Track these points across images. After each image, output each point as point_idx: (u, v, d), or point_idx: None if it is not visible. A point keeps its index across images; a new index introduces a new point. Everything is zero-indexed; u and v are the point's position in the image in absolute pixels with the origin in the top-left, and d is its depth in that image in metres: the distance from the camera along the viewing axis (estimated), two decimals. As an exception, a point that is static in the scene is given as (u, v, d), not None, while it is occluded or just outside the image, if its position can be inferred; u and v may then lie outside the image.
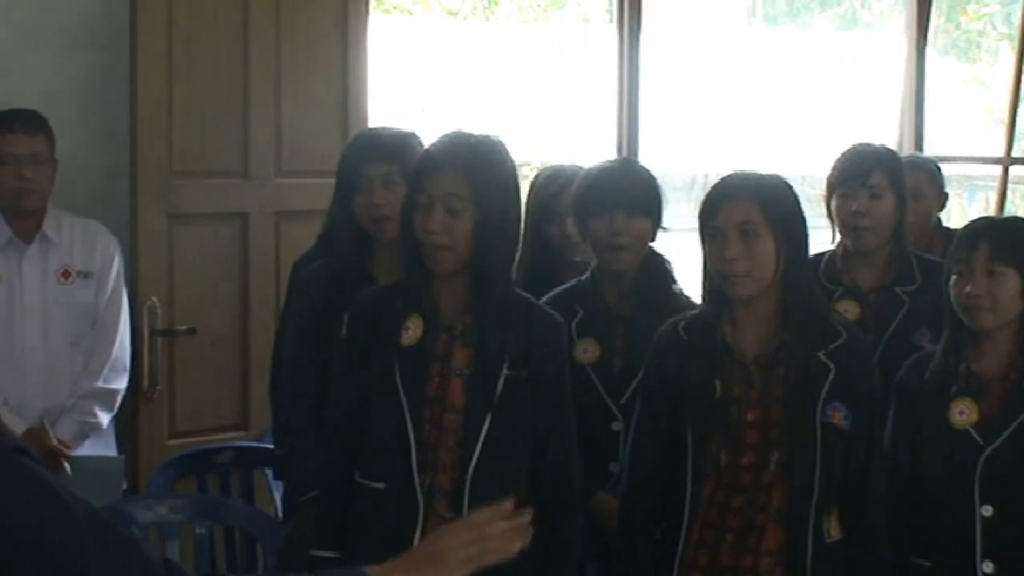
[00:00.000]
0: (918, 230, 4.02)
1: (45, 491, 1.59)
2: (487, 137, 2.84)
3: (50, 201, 3.87)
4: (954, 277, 3.03)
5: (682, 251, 3.44)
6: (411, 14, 6.76)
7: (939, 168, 4.41)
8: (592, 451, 3.09)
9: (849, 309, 3.48)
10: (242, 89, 4.32)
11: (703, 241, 2.89)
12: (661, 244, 3.46)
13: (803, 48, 7.76)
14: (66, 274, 3.86)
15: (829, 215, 3.61)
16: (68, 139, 3.97)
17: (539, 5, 7.56)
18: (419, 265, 2.79)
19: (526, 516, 2.01)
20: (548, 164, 4.00)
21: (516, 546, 2.01)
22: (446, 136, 2.83)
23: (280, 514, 3.63)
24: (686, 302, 3.31)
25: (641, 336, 3.20)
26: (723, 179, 2.90)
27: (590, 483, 3.14)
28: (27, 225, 3.81)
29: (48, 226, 3.85)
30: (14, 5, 4.16)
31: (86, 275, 3.88)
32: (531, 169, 3.96)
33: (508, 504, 2.03)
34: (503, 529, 2.00)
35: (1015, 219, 3.16)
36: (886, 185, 3.54)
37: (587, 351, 3.28)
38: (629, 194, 3.32)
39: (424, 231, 2.73)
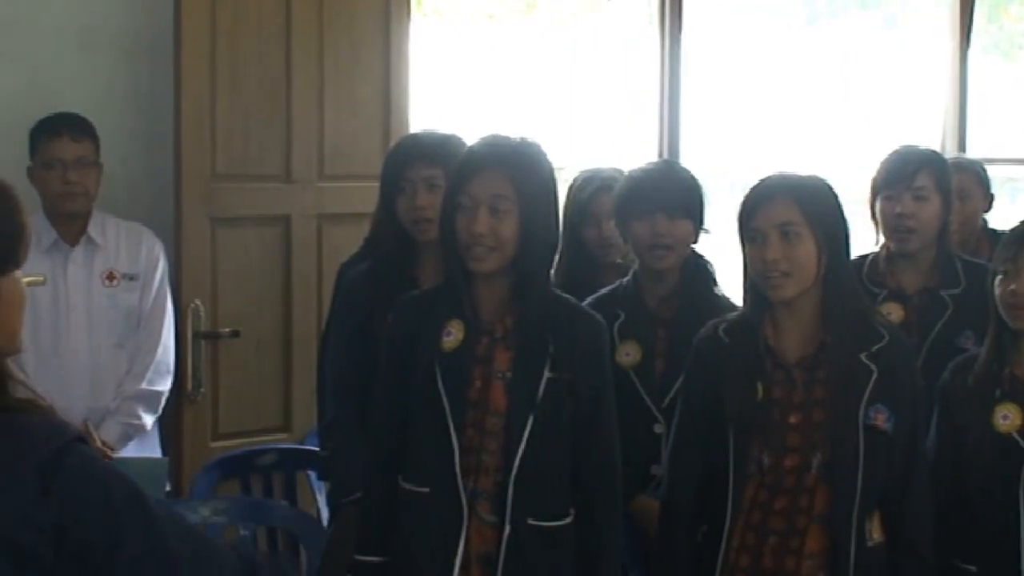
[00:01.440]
0: (964, 232, 4.01)
1: (114, 473, 1.68)
2: (526, 139, 2.85)
3: (95, 205, 3.90)
4: (999, 276, 3.02)
5: (726, 252, 3.44)
6: (442, 15, 6.76)
7: (985, 169, 4.39)
8: (634, 454, 3.08)
9: (893, 312, 3.47)
10: (285, 94, 4.34)
11: (742, 244, 2.89)
12: (703, 245, 3.46)
13: (844, 48, 7.72)
14: (111, 277, 3.88)
15: (873, 217, 3.60)
16: (113, 144, 3.99)
17: (578, 7, 7.56)
18: (460, 267, 2.80)
19: None
20: (586, 167, 4.00)
21: None
22: (486, 138, 2.85)
23: (323, 516, 3.64)
24: (727, 304, 3.30)
25: (682, 338, 3.20)
26: (761, 180, 2.90)
27: (632, 486, 3.15)
28: (72, 228, 3.84)
29: (93, 229, 3.87)
30: (60, 13, 4.18)
31: (131, 278, 3.89)
32: (569, 172, 3.95)
33: None
34: None
35: (1062, 221, 3.14)
36: (932, 187, 3.52)
37: (629, 354, 3.28)
38: (671, 196, 3.33)
39: (469, 233, 2.74)
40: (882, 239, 3.61)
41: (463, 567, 2.75)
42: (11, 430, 1.61)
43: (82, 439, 1.67)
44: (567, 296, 2.93)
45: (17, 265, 1.73)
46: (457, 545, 2.75)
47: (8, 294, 1.71)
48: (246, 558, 1.79)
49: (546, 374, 2.77)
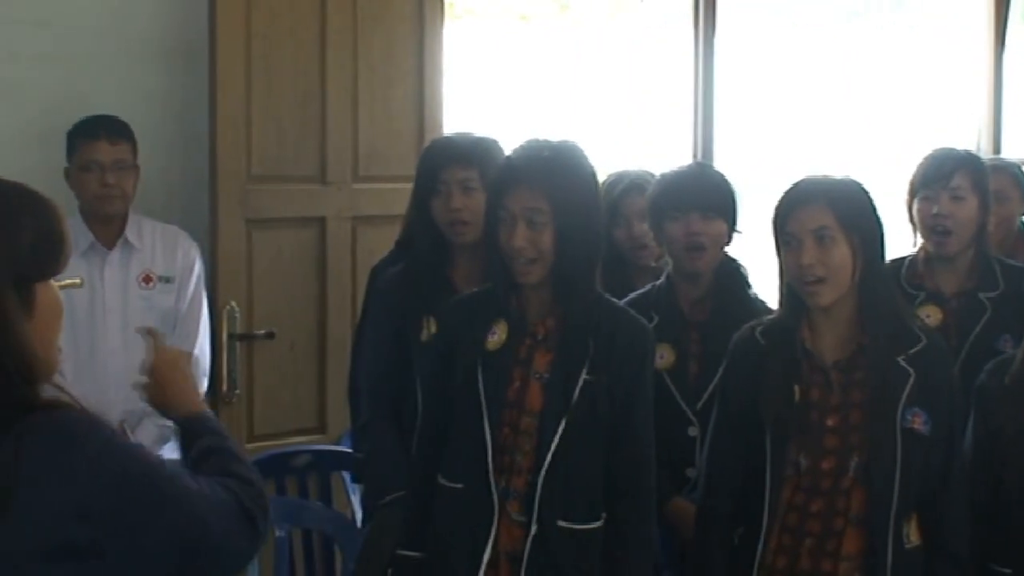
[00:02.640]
0: (1001, 234, 3.99)
1: (153, 459, 1.73)
2: (565, 144, 2.86)
3: (132, 207, 3.92)
4: (1037, 281, 3.02)
5: (759, 254, 3.44)
6: (475, 15, 6.77)
7: (1022, 171, 4.37)
8: (669, 456, 3.09)
9: (931, 314, 3.47)
10: (319, 96, 4.36)
11: (777, 248, 2.89)
12: (736, 247, 3.46)
13: (878, 49, 7.70)
14: (147, 279, 3.90)
15: (911, 218, 3.59)
16: (150, 146, 4.01)
17: (611, 8, 7.56)
18: (506, 274, 2.83)
19: None
20: (616, 170, 4.01)
21: None
22: (523, 147, 2.86)
23: (358, 517, 3.66)
24: (761, 307, 3.30)
25: (716, 341, 3.21)
26: (795, 184, 2.89)
27: (667, 488, 3.15)
28: (109, 231, 3.86)
29: (130, 231, 3.89)
30: (100, 17, 4.20)
31: (167, 280, 3.91)
32: (602, 174, 3.97)
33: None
34: None
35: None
36: (968, 188, 3.52)
37: (663, 357, 3.27)
38: (705, 196, 3.33)
39: (509, 247, 2.77)
40: (919, 241, 3.60)
41: (491, 564, 2.77)
42: (57, 426, 1.63)
43: (117, 431, 1.73)
44: (612, 299, 2.94)
45: (55, 274, 1.75)
46: (486, 542, 2.77)
47: (45, 301, 1.72)
48: (240, 500, 1.87)
49: (583, 376, 2.78)
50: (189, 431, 2.09)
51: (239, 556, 1.88)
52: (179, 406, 2.15)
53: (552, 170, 2.79)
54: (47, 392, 1.70)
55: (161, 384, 2.17)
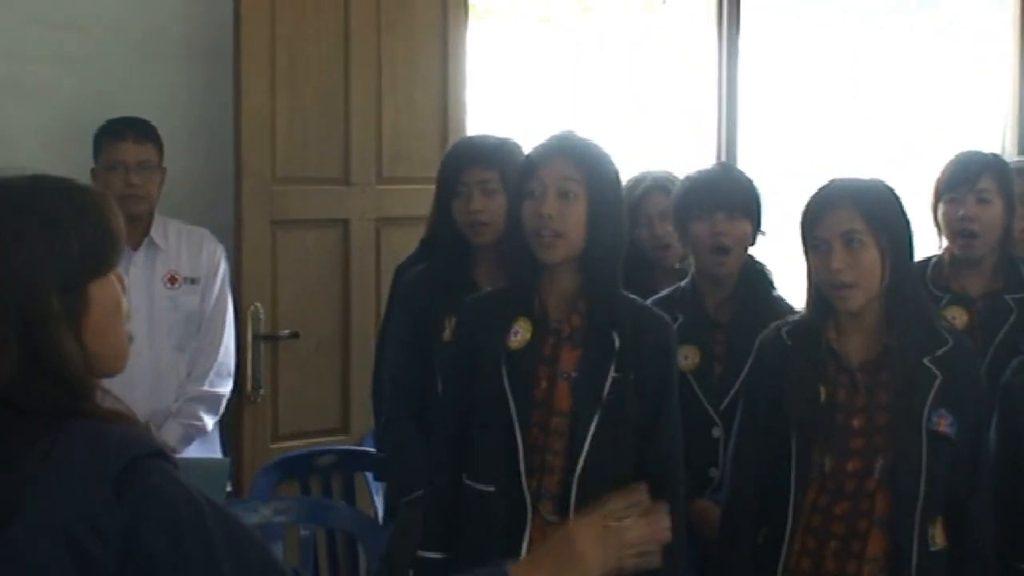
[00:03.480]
0: (1026, 236, 3.97)
1: (185, 496, 1.65)
2: (589, 139, 2.89)
3: (157, 208, 3.94)
4: (1063, 282, 3.01)
5: (782, 255, 3.44)
6: (495, 16, 6.77)
7: (1048, 174, 4.36)
8: (692, 457, 3.08)
9: (957, 316, 3.47)
10: (343, 97, 4.37)
11: (805, 251, 2.88)
12: (759, 249, 3.46)
13: (903, 50, 7.67)
14: (172, 280, 3.91)
15: (936, 221, 3.59)
16: (175, 147, 4.03)
17: (633, 9, 7.56)
18: (529, 262, 2.82)
19: (662, 512, 2.04)
20: (639, 171, 4.01)
21: (657, 559, 2.03)
22: (553, 134, 2.88)
23: (381, 516, 3.67)
24: (786, 307, 3.31)
25: (741, 342, 3.21)
26: (822, 188, 2.89)
27: (690, 489, 3.14)
28: (134, 231, 3.84)
29: (155, 232, 3.91)
30: (125, 19, 4.23)
31: (192, 281, 3.92)
32: (625, 176, 3.97)
33: (639, 494, 2.04)
34: (643, 534, 2.01)
35: None
36: (994, 190, 3.52)
37: (687, 357, 3.28)
38: (730, 196, 3.33)
39: (536, 216, 2.76)
40: (945, 243, 3.60)
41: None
42: (91, 436, 1.61)
43: (163, 455, 1.66)
44: (634, 296, 2.94)
45: (110, 269, 1.72)
46: (520, 544, 2.77)
47: (101, 298, 1.70)
48: None
49: (612, 374, 2.78)
50: None
51: None
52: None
53: (586, 146, 2.84)
54: (106, 401, 1.67)
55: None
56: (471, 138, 3.64)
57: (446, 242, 3.37)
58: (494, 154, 3.32)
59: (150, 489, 1.61)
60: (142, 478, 1.60)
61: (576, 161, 2.78)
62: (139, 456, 1.61)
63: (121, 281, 1.75)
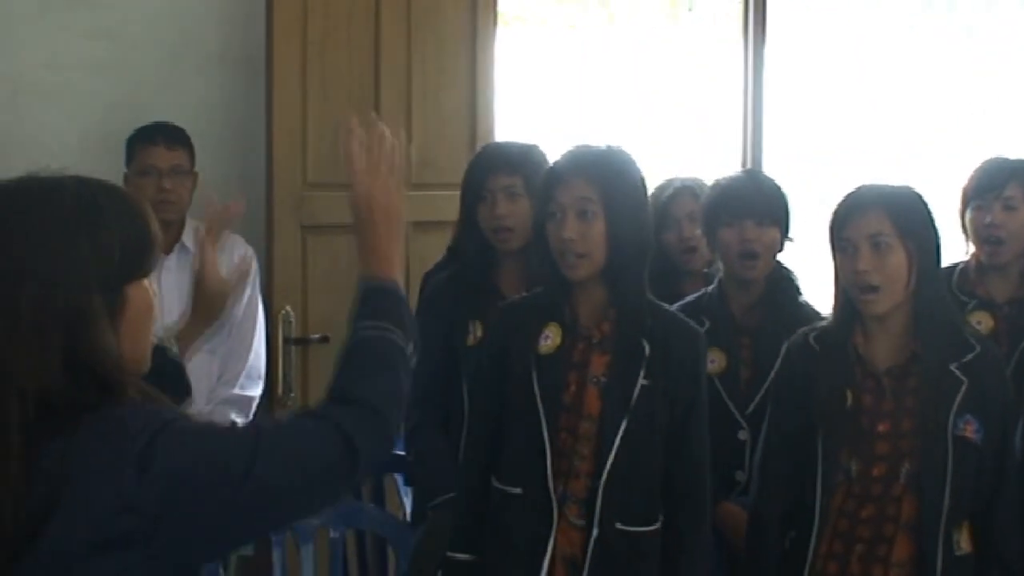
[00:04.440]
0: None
1: (204, 453, 1.69)
2: (612, 146, 2.89)
3: (189, 212, 3.94)
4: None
5: (809, 262, 3.44)
6: (524, 22, 6.77)
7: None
8: (718, 460, 3.08)
9: (983, 321, 3.45)
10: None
11: (833, 253, 2.89)
12: (786, 255, 3.46)
13: (928, 58, 7.66)
14: (204, 283, 3.92)
15: (963, 227, 3.59)
16: (207, 153, 4.04)
17: (659, 17, 7.56)
18: (557, 275, 2.83)
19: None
20: (666, 177, 4.01)
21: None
22: (571, 150, 2.88)
23: (410, 519, 3.67)
24: (812, 314, 3.31)
25: (767, 347, 3.22)
26: (853, 191, 2.91)
27: (716, 492, 3.14)
28: (166, 236, 3.84)
29: (187, 237, 3.90)
30: (160, 29, 4.26)
31: (223, 285, 3.94)
32: (652, 182, 3.97)
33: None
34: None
35: None
36: (1021, 197, 3.51)
37: (714, 361, 3.28)
38: (759, 203, 3.34)
39: (559, 239, 2.78)
40: (972, 248, 3.59)
41: (549, 569, 2.78)
42: (112, 422, 1.63)
43: (180, 418, 1.69)
44: (663, 304, 2.94)
45: (145, 274, 1.74)
46: (546, 547, 2.78)
47: (136, 301, 1.71)
48: (340, 429, 1.78)
49: (641, 380, 2.79)
50: (371, 300, 2.06)
51: (326, 497, 1.83)
52: (381, 261, 2.13)
53: (601, 164, 2.82)
54: (134, 386, 1.70)
55: (375, 224, 2.14)
56: (496, 144, 3.65)
57: (471, 248, 3.39)
58: (518, 160, 3.33)
59: (171, 458, 1.63)
60: (163, 450, 1.62)
61: (590, 180, 2.78)
62: (158, 430, 1.63)
63: (150, 286, 1.77)
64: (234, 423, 1.77)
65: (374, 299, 2.02)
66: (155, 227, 1.76)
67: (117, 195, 1.74)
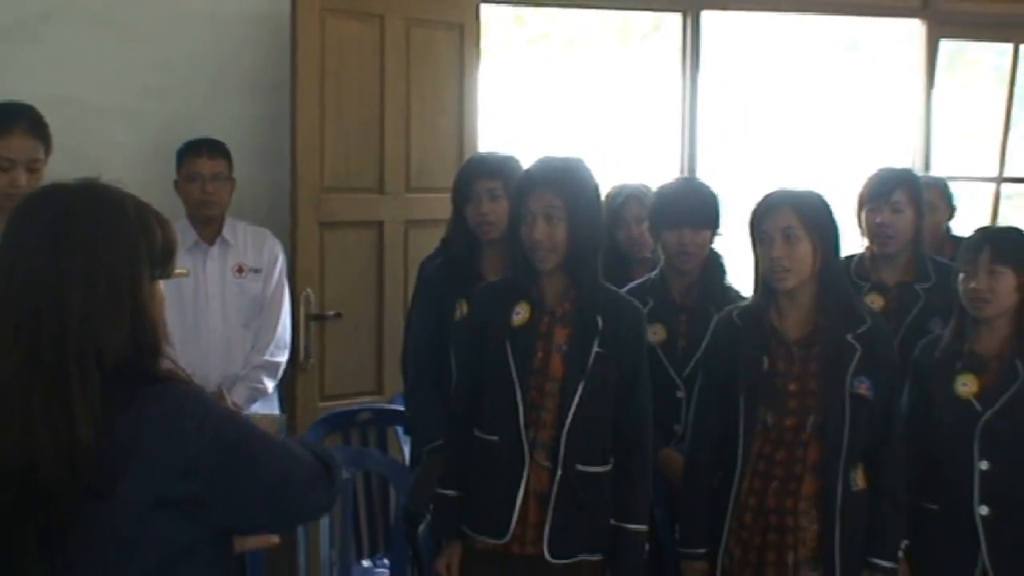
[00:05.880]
0: (932, 237, 3.98)
1: (240, 429, 1.72)
2: (573, 158, 2.87)
3: (228, 212, 3.93)
4: (962, 275, 3.02)
5: (735, 249, 3.45)
6: (503, 52, 6.76)
7: (948, 186, 4.36)
8: (660, 415, 3.09)
9: (875, 301, 3.46)
10: (379, 122, 4.35)
11: (753, 244, 2.90)
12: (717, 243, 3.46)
13: (832, 83, 7.69)
14: (240, 270, 3.89)
15: (859, 224, 3.60)
16: (243, 162, 4.02)
17: (615, 47, 7.56)
18: (528, 264, 2.84)
19: None
20: (617, 182, 4.01)
21: None
22: (540, 160, 2.87)
23: (408, 462, 3.68)
24: (736, 295, 3.31)
25: (700, 321, 3.22)
26: (768, 193, 2.91)
27: (658, 441, 3.15)
28: (210, 231, 3.87)
29: (226, 231, 3.90)
30: (204, 60, 4.25)
31: (256, 271, 3.90)
32: (606, 187, 3.97)
33: None
34: None
35: (1012, 228, 3.13)
36: (906, 201, 3.51)
37: (656, 333, 3.28)
38: (695, 212, 3.34)
39: (531, 239, 2.78)
40: (866, 242, 3.61)
41: (523, 502, 2.78)
42: (170, 397, 1.64)
43: (216, 402, 1.72)
44: (612, 287, 2.95)
45: (167, 276, 1.74)
46: (519, 484, 2.78)
47: (158, 296, 1.73)
48: (321, 459, 1.82)
49: (595, 348, 2.79)
50: None
51: (318, 504, 1.84)
52: None
53: (565, 176, 2.81)
54: (166, 364, 1.70)
55: None
56: (480, 154, 3.64)
57: (460, 240, 3.38)
58: (499, 167, 3.32)
59: (224, 432, 1.66)
60: (216, 426, 1.65)
61: (557, 190, 2.77)
62: (210, 409, 1.66)
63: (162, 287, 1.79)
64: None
65: None
66: (176, 240, 1.77)
67: (154, 212, 1.74)
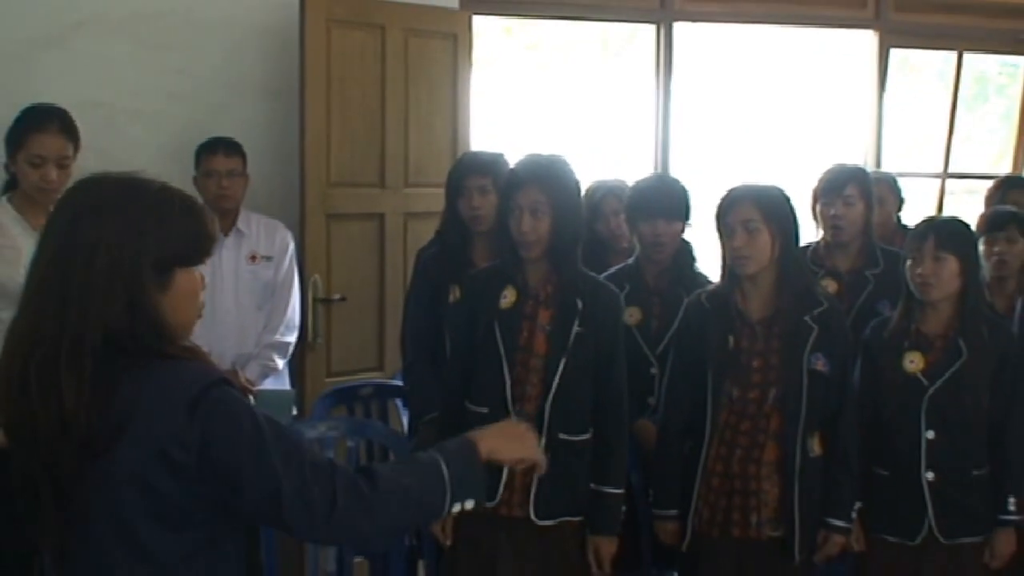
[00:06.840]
0: (881, 227, 3.98)
1: (246, 411, 1.65)
2: (556, 156, 2.87)
3: (242, 204, 3.91)
4: (909, 261, 3.02)
5: (704, 237, 3.44)
6: (493, 62, 6.74)
7: (896, 181, 4.36)
8: (634, 389, 3.09)
9: (829, 285, 3.47)
10: (380, 124, 4.34)
11: (719, 234, 2.90)
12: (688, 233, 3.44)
13: (792, 89, 7.68)
14: (253, 257, 3.88)
15: (815, 216, 3.59)
16: (257, 161, 4.01)
17: (596, 57, 7.55)
18: (514, 253, 2.83)
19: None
20: (597, 178, 4.00)
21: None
22: (526, 158, 2.86)
23: (407, 432, 3.67)
24: (704, 280, 3.31)
25: (672, 304, 3.22)
26: (731, 189, 2.91)
27: (633, 412, 3.15)
28: (225, 222, 3.84)
29: (241, 223, 3.88)
30: (221, 66, 4.22)
31: (268, 258, 3.89)
32: (586, 182, 3.95)
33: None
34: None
35: (955, 218, 3.13)
36: (857, 195, 3.51)
37: (632, 315, 3.28)
38: (668, 205, 3.33)
39: (518, 231, 2.78)
40: (821, 232, 3.60)
41: (510, 469, 2.77)
42: (175, 371, 1.61)
43: (227, 381, 1.65)
44: (591, 273, 2.94)
45: (196, 264, 1.69)
46: None
47: (182, 284, 1.67)
48: (334, 473, 1.67)
49: (576, 328, 2.79)
50: (460, 448, 1.85)
51: (304, 520, 1.63)
52: (487, 440, 1.90)
53: (549, 173, 2.80)
54: (186, 343, 1.67)
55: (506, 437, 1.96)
56: (472, 152, 3.63)
57: (453, 230, 3.37)
58: (488, 164, 3.31)
59: (217, 408, 1.61)
60: (211, 400, 1.60)
61: (541, 187, 2.76)
62: (210, 384, 1.61)
63: (202, 278, 1.72)
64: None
65: (462, 449, 1.85)
66: (214, 230, 1.71)
67: (191, 203, 1.69)
